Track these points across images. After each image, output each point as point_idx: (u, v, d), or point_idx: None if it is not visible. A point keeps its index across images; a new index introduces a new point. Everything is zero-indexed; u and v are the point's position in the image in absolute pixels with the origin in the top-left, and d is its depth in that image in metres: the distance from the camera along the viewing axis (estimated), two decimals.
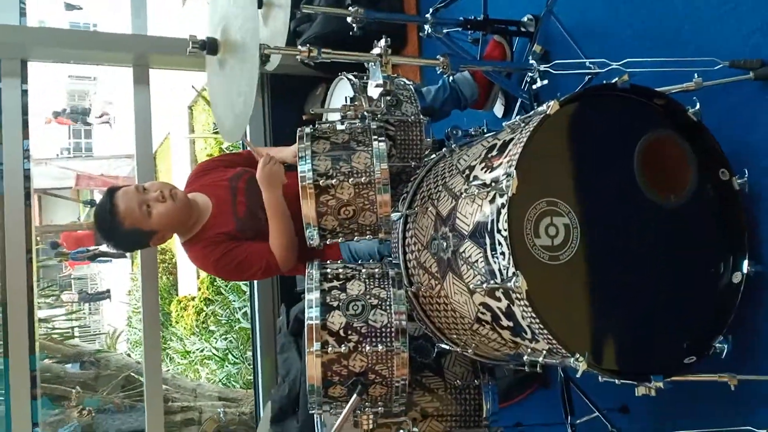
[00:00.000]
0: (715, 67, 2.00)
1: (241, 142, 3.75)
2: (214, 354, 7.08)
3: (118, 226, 2.39)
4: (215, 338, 7.27)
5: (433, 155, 2.19)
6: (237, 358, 6.72)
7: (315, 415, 2.15)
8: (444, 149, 2.12)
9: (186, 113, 10.40)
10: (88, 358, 6.46)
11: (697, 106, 1.84)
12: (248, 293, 4.47)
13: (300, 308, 3.27)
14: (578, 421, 2.23)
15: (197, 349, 7.48)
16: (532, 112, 1.80)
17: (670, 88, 2.04)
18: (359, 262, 1.96)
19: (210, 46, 2.13)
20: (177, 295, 8.51)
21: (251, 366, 4.42)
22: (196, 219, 2.52)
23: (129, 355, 7.78)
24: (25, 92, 3.48)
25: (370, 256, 2.49)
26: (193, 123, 10.32)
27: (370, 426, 1.77)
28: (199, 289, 7.81)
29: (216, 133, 8.09)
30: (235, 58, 2.07)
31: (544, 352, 1.65)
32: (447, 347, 2.03)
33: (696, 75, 2.00)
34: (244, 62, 2.00)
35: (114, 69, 3.97)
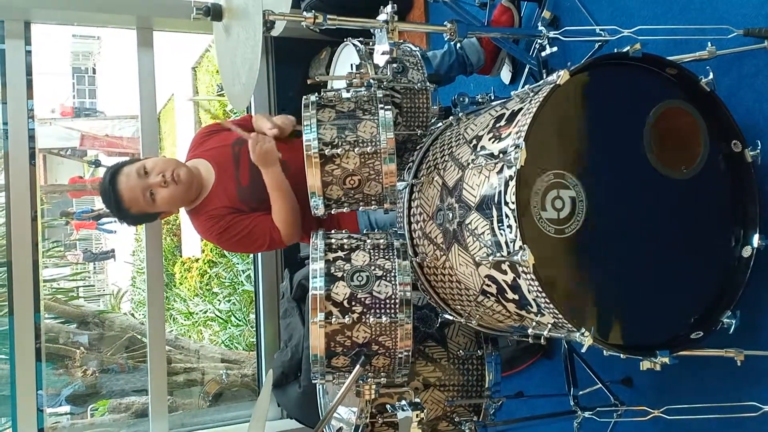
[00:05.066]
0: (729, 36, 1.96)
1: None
2: (217, 316, 7.09)
3: (125, 211, 2.45)
4: (218, 300, 7.28)
5: (440, 123, 2.15)
6: (240, 320, 6.73)
7: None
8: (451, 117, 2.09)
9: (190, 74, 10.30)
10: (93, 320, 6.48)
11: (710, 76, 1.80)
12: (252, 256, 4.47)
13: (304, 274, 3.27)
14: (581, 393, 2.23)
15: (200, 311, 7.49)
16: (542, 81, 1.76)
17: (682, 56, 2.00)
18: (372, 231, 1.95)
19: (214, 12, 2.09)
20: (181, 256, 8.50)
21: (254, 328, 4.43)
22: (200, 189, 2.52)
23: (133, 316, 7.80)
24: (28, 53, 3.50)
25: (391, 225, 2.46)
26: (197, 84, 10.22)
27: (373, 396, 1.77)
28: (203, 251, 7.79)
29: (221, 95, 8.03)
30: (239, 24, 2.03)
31: (549, 325, 1.65)
32: (451, 318, 2.02)
33: (709, 43, 1.96)
34: (248, 28, 1.96)
35: (118, 30, 3.94)
